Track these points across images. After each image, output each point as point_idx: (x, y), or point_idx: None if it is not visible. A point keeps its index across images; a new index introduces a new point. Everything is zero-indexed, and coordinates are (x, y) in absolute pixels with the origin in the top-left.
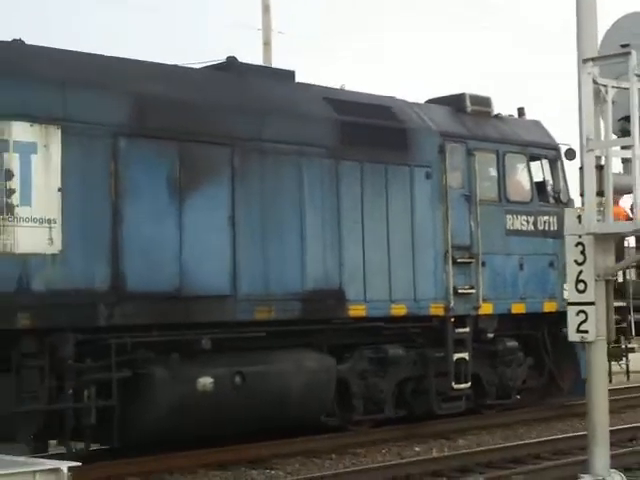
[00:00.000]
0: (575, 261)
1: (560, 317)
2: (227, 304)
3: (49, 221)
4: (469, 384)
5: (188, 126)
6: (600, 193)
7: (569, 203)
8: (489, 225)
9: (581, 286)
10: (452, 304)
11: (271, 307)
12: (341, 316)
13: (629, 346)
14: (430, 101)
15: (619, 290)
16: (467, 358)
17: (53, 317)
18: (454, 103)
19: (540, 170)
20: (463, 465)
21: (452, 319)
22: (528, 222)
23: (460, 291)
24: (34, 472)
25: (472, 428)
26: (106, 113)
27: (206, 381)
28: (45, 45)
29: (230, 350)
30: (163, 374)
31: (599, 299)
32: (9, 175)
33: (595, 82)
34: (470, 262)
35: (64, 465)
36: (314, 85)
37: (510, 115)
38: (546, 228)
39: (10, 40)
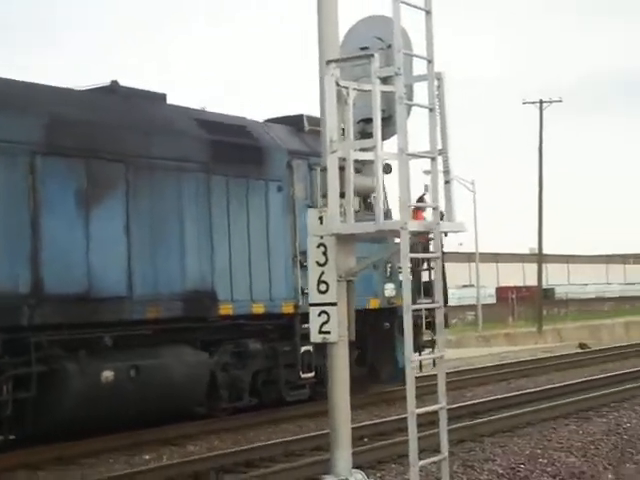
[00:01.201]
0: (317, 262)
1: (381, 312)
2: (125, 304)
3: None
4: (313, 373)
5: (91, 145)
6: (342, 194)
7: (389, 212)
8: None
9: (323, 287)
10: (300, 303)
11: (159, 307)
12: (214, 315)
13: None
14: (270, 121)
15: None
16: (311, 350)
17: None
18: (294, 123)
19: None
20: (196, 471)
21: (299, 316)
22: None
23: (306, 291)
24: None
25: (200, 433)
26: (24, 133)
27: (108, 374)
28: None
29: (127, 347)
30: (74, 368)
31: (341, 299)
32: None
33: (338, 84)
34: None
35: None
36: (183, 107)
37: None
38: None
39: None
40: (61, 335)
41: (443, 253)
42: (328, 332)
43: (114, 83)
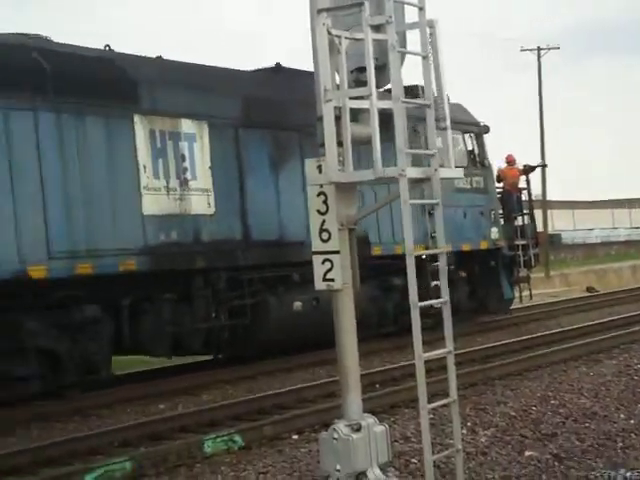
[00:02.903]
0: (318, 211)
1: (488, 253)
2: (305, 248)
3: (207, 190)
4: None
5: (275, 118)
6: (339, 143)
7: (490, 167)
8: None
9: (325, 235)
10: (430, 245)
11: None
12: (368, 255)
13: (531, 275)
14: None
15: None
16: (439, 285)
17: (213, 260)
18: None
19: (469, 142)
20: (211, 420)
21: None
22: (466, 182)
23: (434, 235)
24: None
25: (214, 382)
26: (229, 111)
27: (298, 304)
28: None
29: (309, 282)
30: (274, 300)
31: (343, 247)
32: (183, 158)
33: (329, 33)
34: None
35: None
36: None
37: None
38: (477, 186)
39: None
40: (264, 273)
41: (531, 200)
42: (332, 280)
43: (278, 65)
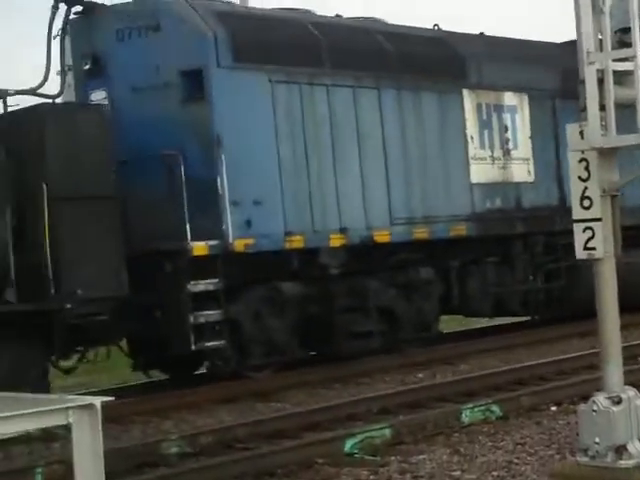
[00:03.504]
0: (579, 177)
1: None
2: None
3: (526, 159)
4: None
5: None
6: (602, 107)
7: None
8: None
9: (586, 202)
10: None
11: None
12: None
13: None
14: None
15: None
16: None
17: (532, 226)
18: None
19: None
20: (469, 389)
21: None
22: None
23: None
24: (67, 409)
25: (474, 352)
26: (548, 82)
27: None
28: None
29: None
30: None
31: (605, 215)
32: (505, 129)
33: None
34: None
35: (97, 401)
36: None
37: None
38: None
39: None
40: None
41: None
42: (593, 248)
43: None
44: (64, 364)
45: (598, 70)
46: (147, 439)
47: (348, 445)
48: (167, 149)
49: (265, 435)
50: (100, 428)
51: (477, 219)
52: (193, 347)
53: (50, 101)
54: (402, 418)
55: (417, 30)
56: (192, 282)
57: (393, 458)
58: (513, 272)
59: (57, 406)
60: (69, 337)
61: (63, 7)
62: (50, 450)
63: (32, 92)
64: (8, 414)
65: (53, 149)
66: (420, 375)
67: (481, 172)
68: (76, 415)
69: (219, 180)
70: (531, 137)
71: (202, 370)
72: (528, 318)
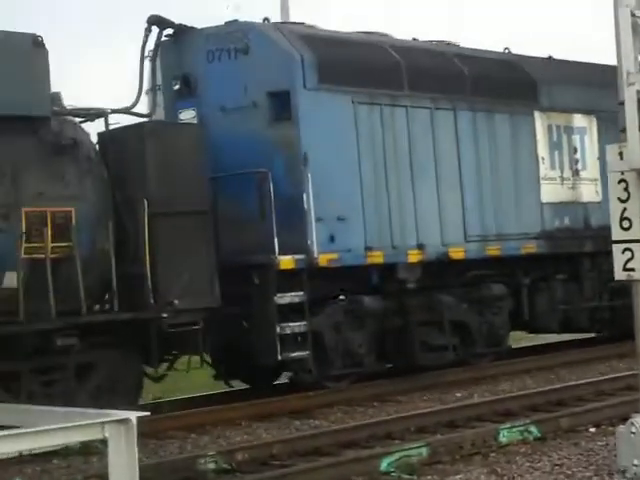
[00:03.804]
0: (619, 198)
1: None
2: None
3: (594, 180)
4: None
5: None
6: None
7: None
8: None
9: (626, 224)
10: None
11: None
12: None
13: None
14: None
15: None
16: None
17: (599, 244)
18: None
19: None
20: (506, 409)
21: None
22: None
23: None
24: (102, 423)
25: (513, 372)
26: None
27: None
28: None
29: None
30: None
31: None
32: (574, 150)
33: (633, 15)
34: None
35: (133, 415)
36: None
37: None
38: None
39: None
40: None
41: None
42: (632, 269)
43: None
44: (154, 372)
45: (638, 91)
46: (184, 454)
47: (384, 464)
48: (255, 167)
49: (302, 452)
50: (135, 442)
51: (547, 237)
52: (279, 357)
53: (146, 119)
54: (439, 437)
55: (489, 53)
56: (279, 294)
57: (430, 477)
58: (581, 289)
59: (93, 420)
60: (163, 346)
61: (155, 29)
62: (88, 464)
63: (126, 111)
64: (45, 428)
65: (153, 166)
66: (458, 394)
67: (551, 192)
68: (112, 429)
69: (305, 197)
70: (599, 158)
71: (280, 380)
72: (593, 335)
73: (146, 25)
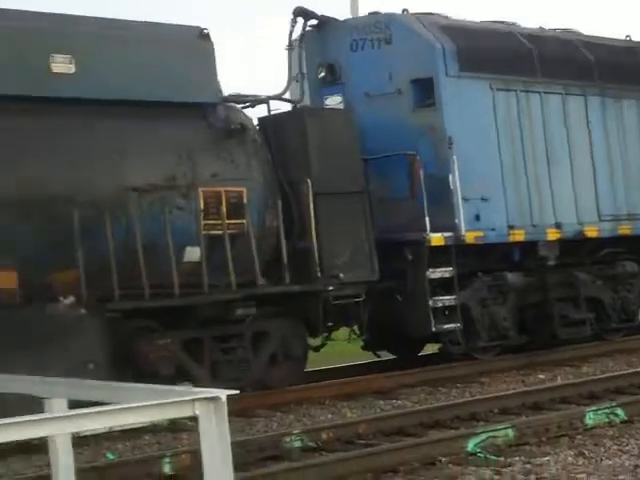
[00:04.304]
0: None
1: None
2: None
3: None
4: None
5: None
6: None
7: None
8: None
9: None
10: None
11: None
12: None
13: None
14: None
15: None
16: None
17: None
18: None
19: None
20: (591, 392)
21: None
22: None
23: None
24: (193, 400)
25: (595, 355)
26: None
27: None
28: None
29: None
30: None
31: None
32: None
33: None
34: None
35: (223, 394)
36: None
37: None
38: None
39: None
40: None
41: None
42: None
43: None
44: (314, 341)
45: None
46: (270, 432)
47: (471, 444)
48: (401, 150)
49: (387, 432)
50: (226, 420)
51: None
52: (433, 329)
53: (297, 105)
54: (525, 419)
55: (613, 40)
56: (430, 269)
57: (517, 459)
58: None
59: (184, 397)
60: (326, 316)
61: (300, 20)
62: (178, 441)
63: (278, 97)
64: (136, 404)
65: (314, 148)
66: (541, 376)
67: None
68: (202, 407)
69: (451, 178)
70: None
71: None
72: None
73: (291, 16)
